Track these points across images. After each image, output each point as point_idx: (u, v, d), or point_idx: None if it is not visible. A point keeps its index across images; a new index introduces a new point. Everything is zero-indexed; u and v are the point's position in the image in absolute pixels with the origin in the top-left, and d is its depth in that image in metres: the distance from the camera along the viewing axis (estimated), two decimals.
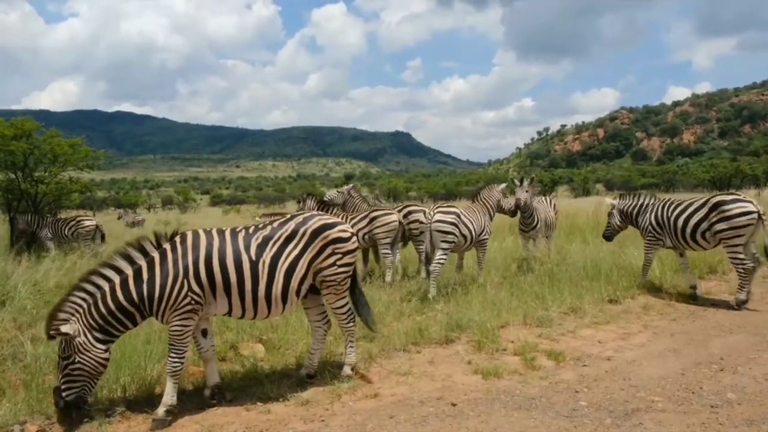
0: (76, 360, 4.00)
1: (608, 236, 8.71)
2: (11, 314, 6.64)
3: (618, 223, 8.51)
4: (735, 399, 4.28)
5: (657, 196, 8.34)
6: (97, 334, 4.05)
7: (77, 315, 4.05)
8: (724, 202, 7.02)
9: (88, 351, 4.01)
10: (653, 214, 7.83)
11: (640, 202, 8.17)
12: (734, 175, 39.76)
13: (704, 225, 7.17)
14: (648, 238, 7.90)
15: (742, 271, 6.95)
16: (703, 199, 7.40)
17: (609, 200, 8.96)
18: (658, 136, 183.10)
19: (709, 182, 41.74)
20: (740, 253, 6.95)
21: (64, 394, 4.01)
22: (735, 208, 6.90)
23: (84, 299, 4.09)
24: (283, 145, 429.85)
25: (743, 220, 6.84)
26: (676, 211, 7.54)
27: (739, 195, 7.19)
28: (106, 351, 4.09)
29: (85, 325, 4.04)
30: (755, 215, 6.81)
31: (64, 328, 3.94)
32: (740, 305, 6.98)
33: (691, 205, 7.45)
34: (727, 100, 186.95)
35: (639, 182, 57.98)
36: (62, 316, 4.01)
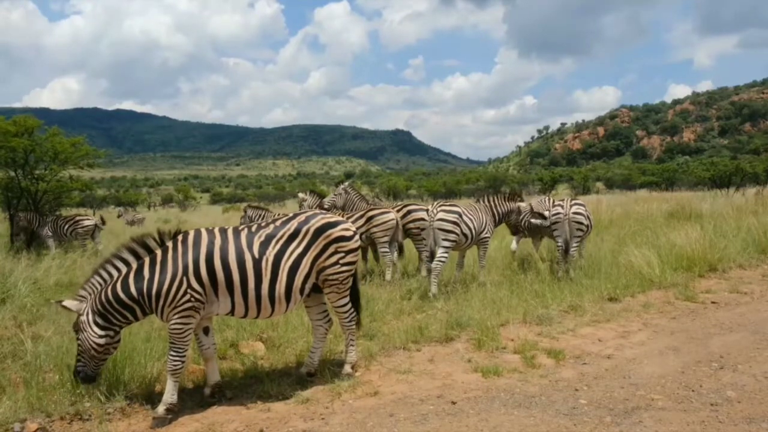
0: (79, 337, 4.22)
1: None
2: (11, 312, 6.65)
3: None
4: (735, 397, 4.28)
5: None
6: (97, 318, 4.18)
7: (91, 296, 4.23)
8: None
9: (84, 331, 4.19)
10: None
11: None
12: (734, 174, 39.63)
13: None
14: None
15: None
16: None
17: None
18: (658, 135, 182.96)
19: (709, 180, 41.64)
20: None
21: (77, 365, 4.28)
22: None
23: (100, 283, 4.24)
24: (284, 143, 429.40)
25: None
26: None
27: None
28: (102, 337, 4.17)
29: (90, 307, 4.20)
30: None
31: (66, 303, 4.21)
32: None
33: None
34: (727, 98, 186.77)
35: (639, 180, 57.83)
36: (82, 293, 4.25)
